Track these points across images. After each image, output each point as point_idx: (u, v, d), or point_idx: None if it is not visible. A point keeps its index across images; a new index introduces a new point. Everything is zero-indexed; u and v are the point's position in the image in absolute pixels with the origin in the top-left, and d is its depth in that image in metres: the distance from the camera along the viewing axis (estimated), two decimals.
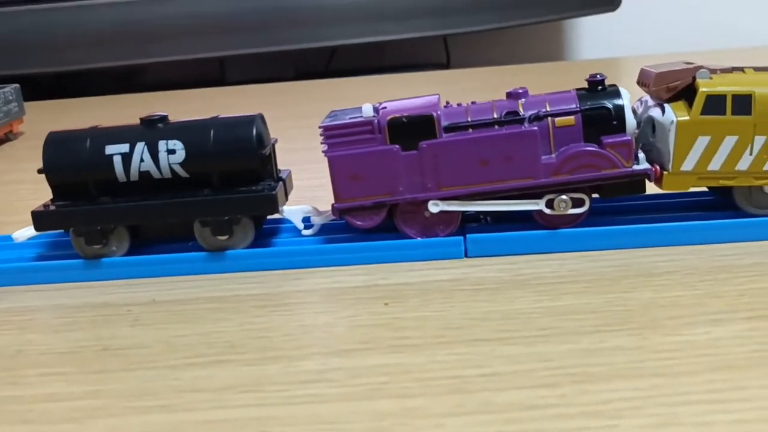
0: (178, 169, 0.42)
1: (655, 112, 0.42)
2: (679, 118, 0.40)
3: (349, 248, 0.42)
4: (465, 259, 0.42)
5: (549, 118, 0.41)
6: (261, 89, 1.23)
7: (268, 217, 0.45)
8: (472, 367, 0.31)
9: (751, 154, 0.40)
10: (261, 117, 0.43)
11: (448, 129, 0.41)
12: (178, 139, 0.42)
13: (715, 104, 0.40)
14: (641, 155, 0.42)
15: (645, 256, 0.41)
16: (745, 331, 0.32)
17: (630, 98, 0.42)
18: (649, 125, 0.42)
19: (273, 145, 0.44)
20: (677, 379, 0.29)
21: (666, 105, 0.41)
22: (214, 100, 1.15)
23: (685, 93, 0.41)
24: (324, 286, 0.40)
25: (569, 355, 0.31)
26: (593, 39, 1.43)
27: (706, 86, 0.40)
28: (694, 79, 0.41)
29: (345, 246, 0.42)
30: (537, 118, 0.41)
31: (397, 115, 0.41)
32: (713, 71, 0.41)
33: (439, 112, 0.41)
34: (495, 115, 0.41)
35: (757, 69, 0.42)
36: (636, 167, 0.41)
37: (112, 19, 1.27)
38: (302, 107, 1.02)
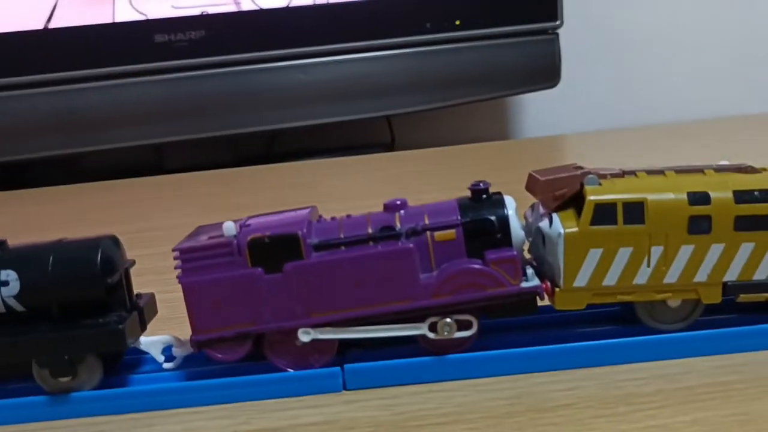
0: (12, 302, 0.37)
1: (544, 224, 0.38)
2: (567, 230, 0.36)
3: (207, 386, 0.37)
4: (343, 392, 0.37)
5: (428, 233, 0.37)
6: (199, 177, 1.20)
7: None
8: None
9: (648, 266, 0.36)
10: (112, 239, 0.39)
11: (318, 247, 0.37)
12: (12, 268, 0.37)
13: (605, 213, 0.36)
14: (530, 271, 0.38)
15: (539, 384, 0.36)
16: None
17: (515, 207, 0.38)
18: (539, 236, 0.39)
19: (127, 270, 0.39)
20: None
21: (554, 215, 0.37)
22: (152, 191, 1.12)
23: (574, 201, 0.37)
24: None
25: None
26: (538, 117, 1.42)
27: (594, 194, 0.37)
28: (582, 186, 0.37)
29: (203, 384, 0.37)
30: (414, 232, 0.37)
31: (258, 234, 0.37)
32: (603, 176, 0.38)
33: (304, 230, 0.37)
34: (369, 230, 0.37)
35: (650, 172, 0.38)
36: (524, 285, 0.37)
37: (46, 108, 1.23)
38: (240, 197, 0.98)
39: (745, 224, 0.36)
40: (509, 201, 0.38)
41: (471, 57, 1.29)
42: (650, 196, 0.36)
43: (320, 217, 0.40)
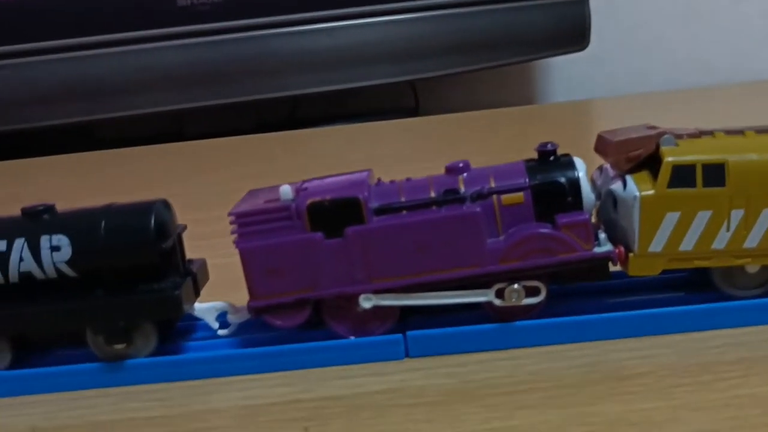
0: (65, 268, 0.35)
1: (616, 186, 0.36)
2: (643, 193, 0.34)
3: (266, 353, 0.35)
4: (406, 360, 0.36)
5: (494, 196, 0.35)
6: (219, 144, 1.18)
7: None
8: None
9: (728, 230, 0.35)
10: (164, 203, 0.37)
11: (379, 211, 0.35)
12: (63, 233, 0.35)
13: (683, 175, 0.34)
14: (602, 235, 0.36)
15: (614, 351, 0.34)
16: None
17: (586, 169, 0.36)
18: (610, 200, 0.37)
19: (180, 234, 0.38)
20: None
21: (628, 177, 0.35)
22: (173, 157, 1.10)
23: (649, 163, 0.35)
24: (236, 403, 0.34)
25: None
26: (566, 81, 1.38)
27: (671, 155, 0.35)
28: (657, 146, 0.35)
29: (261, 351, 0.36)
30: (480, 196, 0.35)
31: (317, 198, 0.35)
32: (679, 136, 0.36)
33: (366, 194, 0.35)
34: (432, 194, 0.36)
35: (728, 132, 0.36)
36: (597, 250, 0.35)
37: (64, 75, 1.22)
38: (262, 165, 0.97)
39: None
40: (579, 163, 0.36)
41: (497, 20, 1.26)
42: (731, 157, 0.34)
43: (378, 180, 0.38)
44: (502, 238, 0.35)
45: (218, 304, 0.38)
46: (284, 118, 1.38)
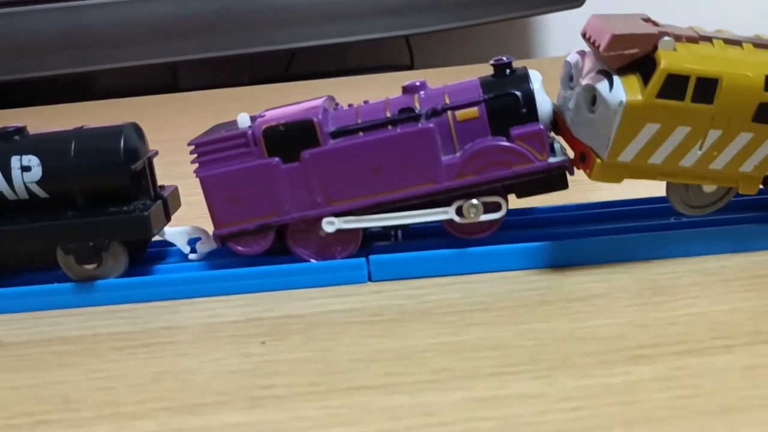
0: (35, 188, 0.36)
1: (602, 85, 0.34)
2: (630, 100, 0.33)
3: (232, 275, 0.36)
4: (369, 283, 0.37)
5: (449, 113, 0.35)
6: (214, 95, 1.18)
7: (154, 239, 0.40)
8: (339, 425, 0.26)
9: (700, 149, 0.34)
10: (135, 127, 0.38)
11: (336, 134, 0.36)
12: (34, 153, 0.36)
13: (675, 85, 0.33)
14: (557, 145, 0.36)
15: (571, 275, 0.35)
16: (671, 370, 0.27)
17: (542, 81, 0.36)
18: (588, 95, 0.34)
19: (150, 159, 0.39)
20: None
21: (615, 78, 0.33)
22: (166, 107, 1.10)
23: (641, 63, 0.33)
24: (199, 321, 0.34)
25: (458, 407, 0.26)
26: (561, 36, 1.37)
27: (669, 61, 0.33)
28: (655, 47, 0.33)
29: (227, 273, 0.37)
30: (434, 113, 0.35)
31: (273, 123, 0.36)
32: (678, 38, 0.33)
33: (320, 117, 0.36)
34: (388, 114, 0.36)
35: (727, 41, 0.34)
36: (552, 160, 0.35)
37: (58, 25, 1.21)
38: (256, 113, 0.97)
39: None
40: (534, 75, 0.36)
41: None
42: (728, 72, 0.33)
43: (336, 104, 0.38)
44: (458, 154, 0.35)
45: (188, 228, 0.39)
46: (279, 72, 1.37)
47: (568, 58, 0.37)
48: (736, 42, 0.34)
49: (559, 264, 0.36)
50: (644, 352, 0.28)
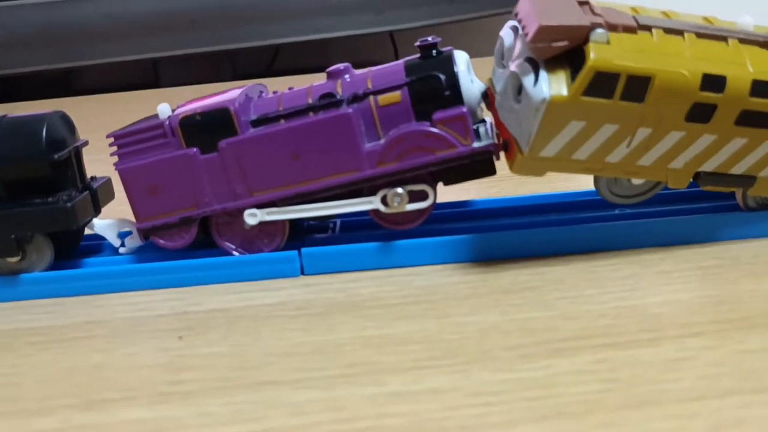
0: None
1: (526, 78, 0.32)
2: (554, 97, 0.31)
3: (159, 269, 0.35)
4: (301, 277, 0.36)
5: (371, 97, 0.34)
6: (196, 91, 1.17)
7: (88, 231, 0.39)
8: (243, 421, 0.25)
9: (628, 146, 0.32)
10: (61, 115, 0.37)
11: (257, 122, 0.35)
12: None
13: (604, 83, 0.31)
14: (482, 129, 0.34)
15: (507, 268, 0.34)
16: (591, 363, 0.26)
17: (468, 61, 0.34)
18: (515, 82, 0.33)
19: (78, 149, 0.37)
20: None
21: (542, 71, 0.31)
22: (148, 103, 1.09)
23: (571, 54, 0.31)
24: (123, 315, 0.33)
25: (368, 402, 0.25)
26: None
27: (598, 56, 0.30)
28: (586, 39, 0.31)
29: (156, 266, 0.35)
30: (356, 98, 0.34)
31: (189, 113, 0.34)
32: (613, 27, 0.31)
33: (236, 105, 0.34)
34: (309, 101, 0.34)
35: (667, 30, 0.32)
36: (476, 145, 0.33)
37: (39, 21, 1.20)
38: None
39: (748, 119, 0.32)
40: (460, 56, 0.34)
41: None
42: (661, 72, 0.31)
43: (261, 92, 0.37)
44: (382, 141, 0.34)
45: (118, 222, 0.38)
46: (262, 68, 1.36)
47: (501, 33, 0.35)
48: (677, 31, 0.32)
49: (495, 256, 0.35)
50: (568, 345, 0.27)
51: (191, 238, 0.35)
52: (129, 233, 0.38)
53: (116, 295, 0.35)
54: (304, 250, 0.35)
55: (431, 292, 0.33)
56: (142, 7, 1.17)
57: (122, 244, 0.38)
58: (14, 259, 0.36)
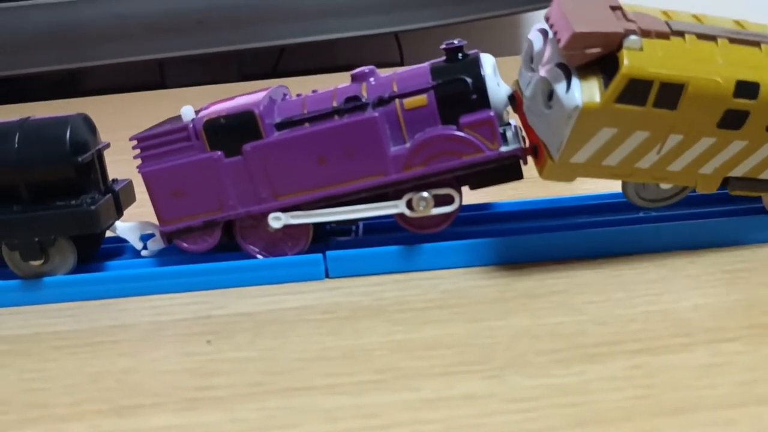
0: None
1: (558, 84, 0.31)
2: (587, 103, 0.31)
3: (183, 272, 0.35)
4: (326, 280, 0.35)
5: (396, 101, 0.34)
6: (202, 92, 1.16)
7: (109, 234, 0.38)
8: (276, 427, 0.24)
9: (658, 153, 0.32)
10: (84, 118, 0.37)
11: (282, 125, 0.34)
12: None
13: (637, 90, 0.31)
14: (509, 133, 0.34)
15: (533, 271, 0.34)
16: (626, 369, 0.26)
17: (494, 65, 0.34)
18: (545, 88, 0.32)
19: (101, 151, 0.37)
20: None
21: (574, 78, 0.31)
22: (154, 104, 1.09)
23: (604, 60, 0.31)
24: (146, 319, 0.33)
25: (402, 408, 0.25)
26: None
27: (632, 63, 0.30)
28: (620, 46, 0.31)
29: (177, 270, 0.35)
30: (381, 101, 0.34)
31: (214, 116, 0.34)
32: (646, 33, 0.31)
33: (261, 108, 0.34)
34: (334, 104, 0.34)
35: (700, 36, 0.32)
36: (504, 149, 0.33)
37: (45, 22, 1.20)
38: None
39: None
40: (487, 59, 0.34)
41: None
42: (694, 79, 0.31)
43: (285, 95, 0.37)
44: (407, 145, 0.34)
45: (141, 224, 0.37)
46: (268, 69, 1.36)
47: (530, 35, 0.34)
48: (710, 37, 0.32)
49: (521, 259, 0.35)
50: (600, 350, 0.27)
51: (215, 242, 0.35)
52: (151, 236, 0.38)
53: (139, 298, 0.35)
54: (329, 253, 0.35)
55: (457, 296, 0.32)
56: (147, 8, 1.17)
57: (144, 247, 0.38)
58: (37, 263, 0.36)
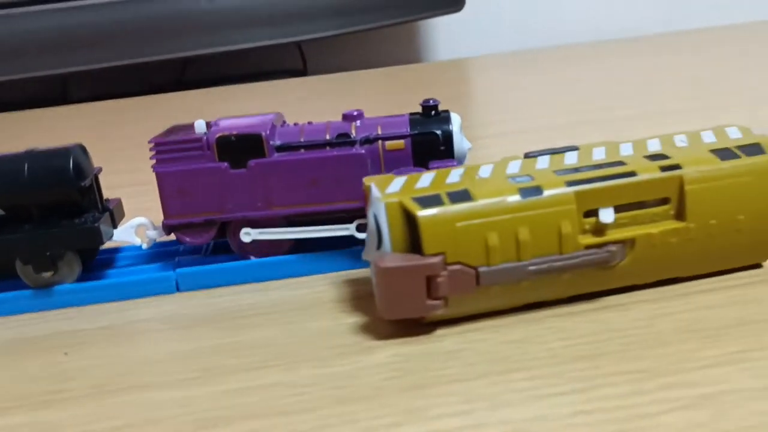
0: None
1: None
2: None
3: (45, 293, 0.41)
4: (177, 294, 0.42)
5: (380, 142, 0.42)
6: (106, 106, 1.20)
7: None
8: (109, 419, 0.30)
9: None
10: (81, 147, 0.43)
11: (281, 148, 0.42)
12: None
13: None
14: None
15: (352, 278, 0.41)
16: (389, 357, 0.33)
17: (461, 124, 0.42)
18: None
19: (96, 175, 0.43)
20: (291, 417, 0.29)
21: None
22: (56, 120, 1.12)
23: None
24: (10, 335, 0.39)
25: (214, 398, 0.31)
26: (447, 40, 1.44)
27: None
28: None
29: (43, 290, 0.41)
30: (368, 141, 0.42)
31: (226, 133, 0.41)
32: None
33: (268, 132, 0.42)
34: (327, 137, 0.42)
35: None
36: None
37: None
38: (150, 124, 1.00)
39: None
40: (455, 118, 0.42)
41: None
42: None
43: (284, 122, 0.44)
44: None
45: (134, 221, 0.44)
46: (172, 80, 1.39)
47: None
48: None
49: (339, 269, 0.42)
50: (371, 344, 0.34)
51: (210, 237, 0.43)
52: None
53: (6, 318, 0.41)
54: (178, 270, 0.42)
55: (281, 303, 0.39)
56: (50, 23, 1.19)
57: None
58: (48, 274, 0.41)
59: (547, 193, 0.34)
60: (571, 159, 0.37)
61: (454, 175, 0.36)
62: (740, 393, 0.28)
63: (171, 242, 0.45)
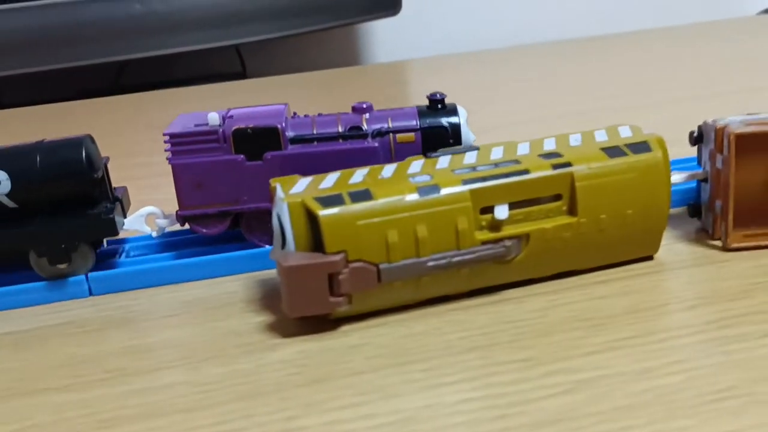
0: (5, 200, 0.40)
1: None
2: None
3: None
4: (90, 297, 0.42)
5: (391, 135, 0.43)
6: (40, 111, 1.18)
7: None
8: (15, 422, 0.31)
9: None
10: (90, 138, 0.42)
11: (294, 141, 0.42)
12: (1, 168, 0.40)
13: None
14: None
15: (263, 278, 0.42)
16: (292, 354, 0.34)
17: (467, 116, 0.43)
18: None
19: (105, 165, 0.43)
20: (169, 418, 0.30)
21: None
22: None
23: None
24: None
25: (113, 399, 0.32)
26: (385, 43, 1.46)
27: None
28: None
29: None
30: (379, 133, 0.42)
31: (242, 125, 0.42)
32: None
33: (284, 124, 0.42)
34: (339, 129, 0.42)
35: None
36: None
37: None
38: (86, 127, 0.98)
39: None
40: (462, 111, 0.43)
41: None
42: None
43: (294, 113, 0.44)
44: None
45: (143, 210, 0.44)
46: (109, 84, 1.38)
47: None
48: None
49: (255, 269, 0.42)
50: (275, 341, 0.35)
51: (224, 228, 0.43)
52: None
53: None
54: (90, 274, 0.42)
55: (195, 304, 0.40)
56: None
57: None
58: (63, 265, 0.41)
59: (444, 191, 0.35)
60: (470, 158, 0.38)
61: (358, 175, 0.37)
62: (618, 377, 0.30)
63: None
